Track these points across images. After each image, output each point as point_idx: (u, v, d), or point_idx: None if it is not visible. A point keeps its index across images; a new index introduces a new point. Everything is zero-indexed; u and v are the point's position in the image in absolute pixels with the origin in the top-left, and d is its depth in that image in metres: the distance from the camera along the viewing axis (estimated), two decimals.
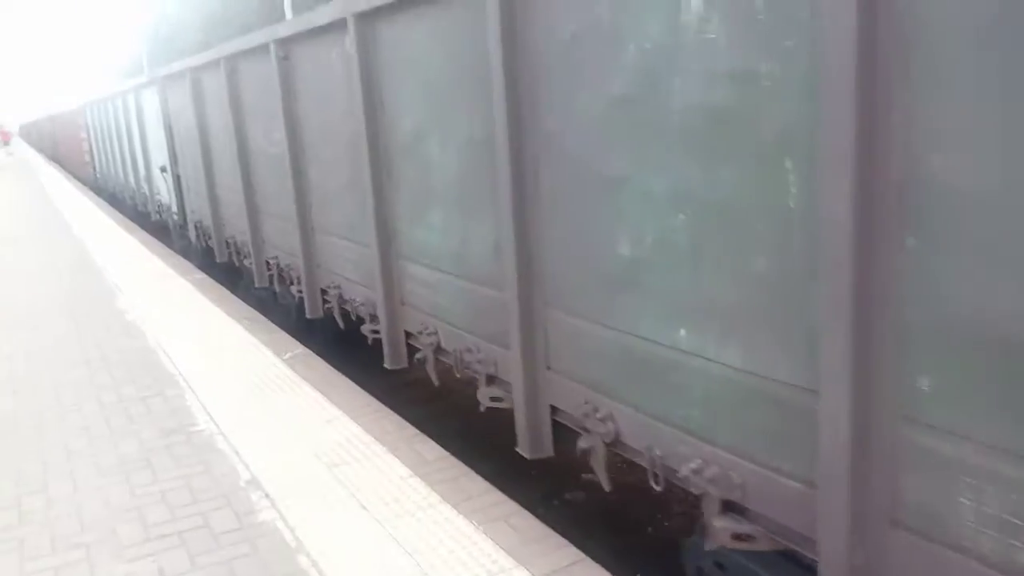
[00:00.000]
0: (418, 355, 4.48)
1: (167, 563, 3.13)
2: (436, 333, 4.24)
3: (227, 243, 8.33)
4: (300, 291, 6.16)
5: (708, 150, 2.35)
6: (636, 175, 2.65)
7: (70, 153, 25.38)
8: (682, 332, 2.56)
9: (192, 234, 9.76)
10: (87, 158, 19.99)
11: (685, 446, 2.61)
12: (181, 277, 8.90)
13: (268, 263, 7.03)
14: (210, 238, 8.83)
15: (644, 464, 2.79)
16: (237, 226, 7.77)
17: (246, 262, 7.58)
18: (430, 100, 3.94)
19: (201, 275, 9.07)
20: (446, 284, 4.08)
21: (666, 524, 4.21)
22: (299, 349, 5.97)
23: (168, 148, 10.11)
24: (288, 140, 5.80)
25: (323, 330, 6.30)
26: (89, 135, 18.75)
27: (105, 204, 16.75)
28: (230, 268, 8.51)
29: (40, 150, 51.47)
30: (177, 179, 10.10)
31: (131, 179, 14.05)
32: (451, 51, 3.66)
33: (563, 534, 3.20)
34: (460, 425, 5.03)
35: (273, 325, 6.74)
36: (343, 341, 5.86)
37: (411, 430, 4.29)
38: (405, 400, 5.23)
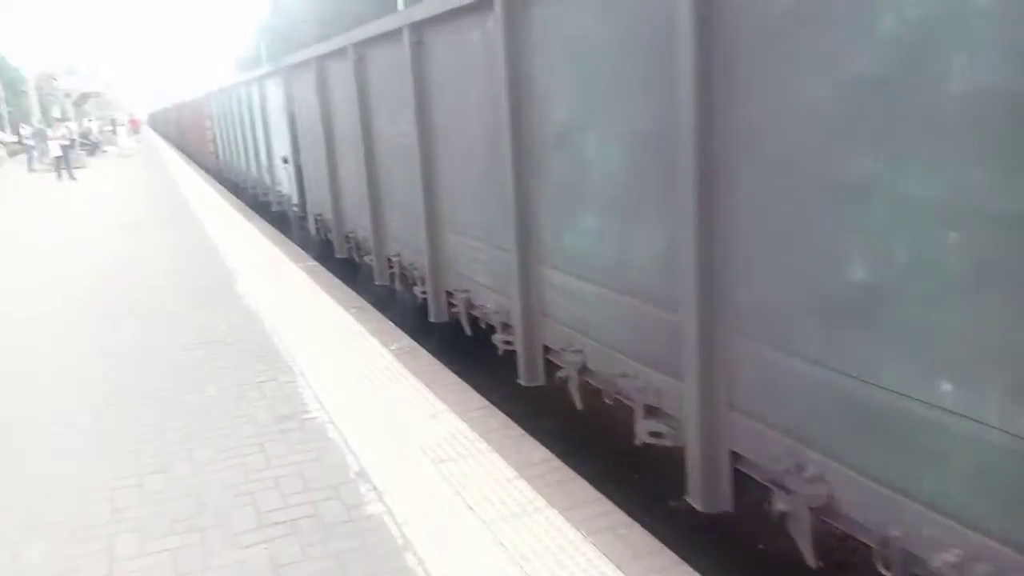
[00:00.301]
0: (560, 373, 4.09)
1: (279, 552, 3.18)
2: (582, 351, 3.86)
3: (347, 238, 8.21)
4: (424, 292, 5.97)
5: (1004, 148, 1.87)
6: (884, 180, 2.15)
7: (195, 141, 26.41)
8: (946, 386, 2.06)
9: (311, 226, 9.67)
10: (211, 147, 20.53)
11: (938, 530, 2.11)
12: (294, 264, 9.16)
13: (390, 260, 6.84)
14: (330, 231, 8.73)
15: (869, 542, 2.34)
16: (358, 220, 7.63)
17: (366, 259, 7.46)
18: (590, 86, 3.51)
19: (313, 263, 9.32)
20: (598, 297, 3.65)
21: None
22: (405, 340, 6.02)
23: (290, 138, 10.14)
24: (418, 130, 5.52)
25: (447, 335, 6.18)
26: (213, 124, 19.16)
27: (227, 192, 17.36)
28: (348, 264, 8.64)
29: (166, 137, 54.41)
30: (298, 170, 10.11)
31: (252, 168, 14.23)
32: (623, 27, 3.20)
33: (675, 549, 3.07)
34: (608, 456, 4.59)
35: (380, 315, 6.83)
36: (467, 349, 5.76)
37: (516, 429, 4.24)
38: (545, 429, 4.56)
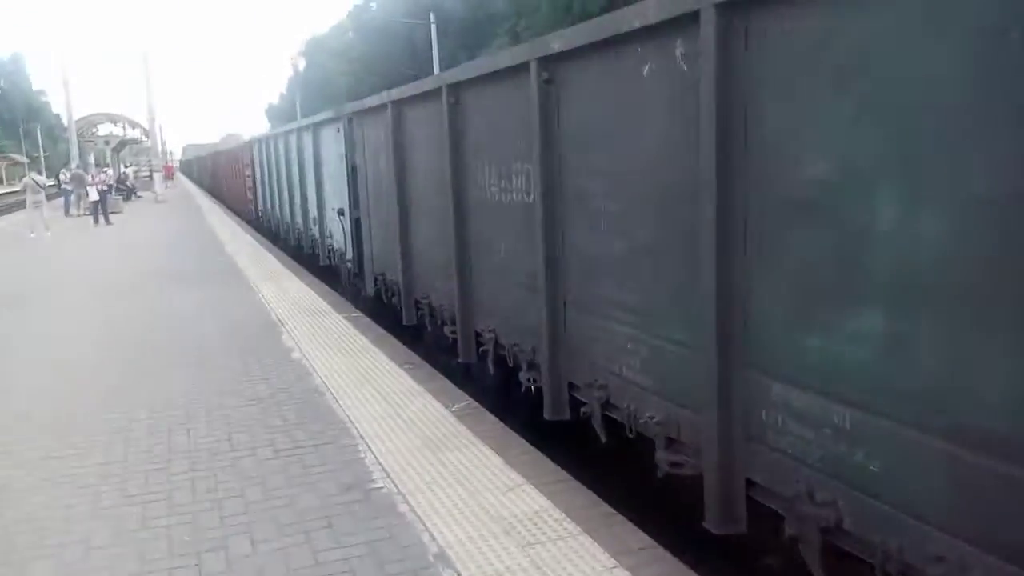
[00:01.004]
0: (583, 409, 4.33)
1: None
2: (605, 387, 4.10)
3: (418, 303, 7.21)
4: (534, 380, 4.92)
5: None
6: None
7: (231, 188, 26.52)
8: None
9: (369, 285, 8.87)
10: (248, 195, 20.45)
11: (928, 541, 2.32)
12: (338, 314, 8.91)
13: (479, 335, 5.85)
14: (394, 295, 7.88)
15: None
16: (436, 286, 6.72)
17: (447, 330, 6.38)
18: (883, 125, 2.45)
19: (358, 313, 9.06)
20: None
21: None
22: (466, 400, 5.69)
23: (348, 190, 9.44)
24: (542, 185, 4.49)
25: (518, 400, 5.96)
26: (254, 171, 19.03)
27: (265, 241, 17.23)
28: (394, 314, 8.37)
29: (199, 184, 55.25)
30: (356, 224, 9.39)
31: (298, 219, 13.59)
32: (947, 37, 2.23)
33: None
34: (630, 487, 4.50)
35: (435, 371, 6.51)
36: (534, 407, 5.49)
37: (605, 507, 3.87)
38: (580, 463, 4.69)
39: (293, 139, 13.33)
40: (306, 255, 13.18)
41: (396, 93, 7.09)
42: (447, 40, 43.89)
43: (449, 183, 5.91)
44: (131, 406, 5.82)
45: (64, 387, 6.46)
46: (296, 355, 7.13)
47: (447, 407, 5.51)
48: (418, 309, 7.23)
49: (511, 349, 5.27)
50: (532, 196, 4.66)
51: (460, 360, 6.13)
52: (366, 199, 8.72)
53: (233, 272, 12.68)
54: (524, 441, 4.87)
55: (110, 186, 27.02)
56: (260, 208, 18.90)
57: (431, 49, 54.72)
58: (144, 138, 42.65)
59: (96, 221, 23.92)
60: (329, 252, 11.32)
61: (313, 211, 12.01)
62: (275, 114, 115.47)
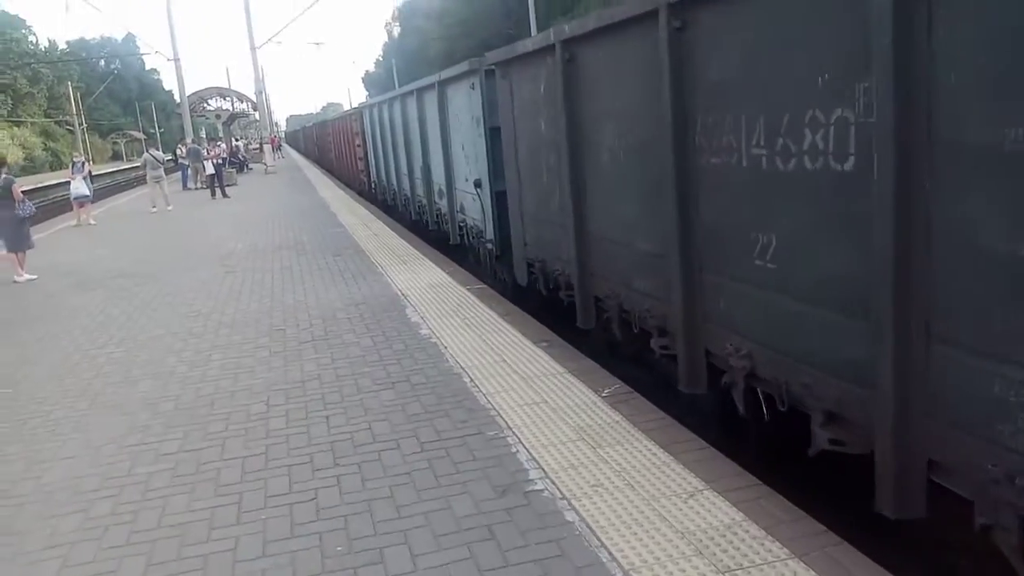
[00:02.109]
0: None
1: None
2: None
3: (601, 305, 5.74)
4: (842, 443, 3.50)
5: None
6: None
7: (339, 159, 26.59)
8: None
9: (520, 273, 7.56)
10: (360, 165, 19.90)
11: None
12: (462, 287, 8.55)
13: (709, 352, 4.36)
14: (559, 288, 6.52)
15: None
16: (633, 284, 5.15)
17: (654, 343, 4.87)
18: None
19: (481, 285, 8.68)
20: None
21: None
22: (617, 384, 5.20)
23: (487, 158, 8.35)
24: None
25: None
26: (364, 141, 18.52)
27: (380, 212, 17.06)
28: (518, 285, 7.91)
29: (306, 155, 56.40)
30: (497, 198, 8.33)
31: (419, 192, 12.57)
32: None
33: None
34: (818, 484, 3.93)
35: (575, 351, 6.04)
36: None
37: (815, 525, 3.31)
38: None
39: (411, 102, 12.18)
40: (429, 231, 12.30)
41: (571, 29, 5.60)
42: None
43: (670, 143, 4.27)
44: (262, 389, 5.61)
45: (200, 368, 6.35)
46: (424, 332, 6.80)
47: (597, 392, 5.04)
48: (601, 311, 5.77)
49: (772, 381, 3.80)
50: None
51: (683, 388, 4.59)
52: (514, 169, 7.29)
53: (349, 243, 12.56)
54: (691, 433, 4.35)
55: (225, 159, 27.64)
56: (373, 179, 18.30)
57: (525, 8, 53.74)
58: (252, 111, 43.67)
59: (213, 194, 24.54)
60: (461, 230, 10.21)
61: (439, 182, 10.99)
62: (372, 81, 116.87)
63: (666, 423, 4.51)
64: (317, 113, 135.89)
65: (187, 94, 36.87)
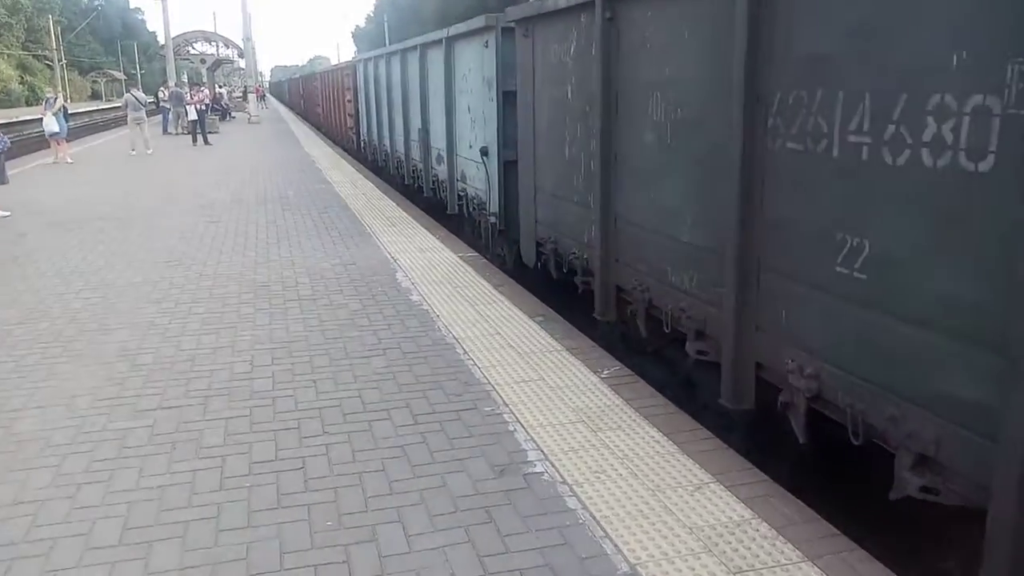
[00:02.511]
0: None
1: None
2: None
3: (624, 296, 5.30)
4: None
5: None
6: None
7: (326, 114, 25.95)
8: None
9: (527, 251, 7.04)
10: (349, 122, 19.21)
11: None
12: (454, 254, 8.33)
13: (759, 367, 3.89)
14: (573, 272, 6.01)
15: None
16: (671, 279, 4.58)
17: (690, 347, 4.43)
18: None
19: (473, 253, 8.47)
20: None
21: None
22: (616, 366, 5.04)
23: (497, 124, 7.73)
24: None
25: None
26: (356, 97, 17.85)
27: (368, 172, 16.65)
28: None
29: (290, 107, 55.32)
30: (505, 168, 7.80)
31: (415, 156, 11.88)
32: None
33: None
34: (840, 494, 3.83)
35: (572, 327, 5.88)
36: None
37: (824, 525, 3.19)
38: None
39: (413, 59, 11.40)
40: (423, 197, 11.84)
41: None
42: None
43: (737, 122, 3.73)
44: (244, 348, 5.40)
45: (180, 320, 6.10)
46: (414, 298, 6.60)
47: (596, 373, 4.89)
48: (624, 304, 5.36)
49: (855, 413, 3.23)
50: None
51: (727, 402, 4.09)
52: (530, 138, 6.68)
53: (337, 202, 12.27)
54: (695, 422, 4.22)
55: (208, 105, 26.97)
56: (363, 138, 17.65)
57: None
58: (238, 58, 42.68)
59: (195, 141, 23.96)
60: (460, 199, 9.64)
61: (438, 147, 10.38)
62: (362, 37, 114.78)
63: (669, 410, 4.36)
64: (303, 66, 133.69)
65: (172, 36, 35.89)
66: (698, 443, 3.94)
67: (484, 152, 8.06)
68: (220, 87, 45.62)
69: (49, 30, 70.59)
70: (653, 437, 3.99)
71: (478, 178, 8.59)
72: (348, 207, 11.65)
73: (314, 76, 32.13)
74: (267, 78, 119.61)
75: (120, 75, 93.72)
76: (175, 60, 34.00)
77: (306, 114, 38.97)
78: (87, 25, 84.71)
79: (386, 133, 14.59)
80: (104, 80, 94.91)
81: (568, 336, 5.64)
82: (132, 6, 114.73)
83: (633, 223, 5.10)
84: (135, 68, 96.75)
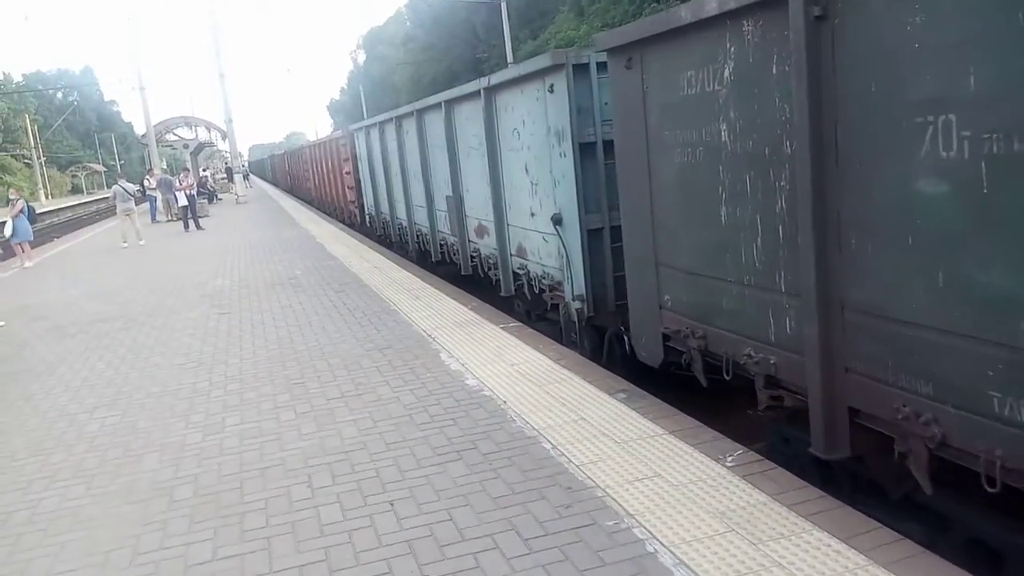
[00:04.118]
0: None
1: None
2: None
3: (864, 420, 3.64)
4: None
5: None
6: None
7: (319, 187, 25.27)
8: None
9: (653, 348, 5.33)
10: (349, 195, 18.40)
11: None
12: (495, 325, 7.64)
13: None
14: (745, 377, 4.45)
15: None
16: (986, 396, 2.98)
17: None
18: None
19: (516, 323, 7.77)
20: None
21: None
22: (739, 449, 4.32)
23: (575, 185, 6.31)
24: None
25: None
26: (358, 168, 16.97)
27: (376, 244, 15.97)
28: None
29: (275, 183, 55.06)
30: (588, 237, 6.41)
31: (443, 228, 10.71)
32: None
33: None
34: None
35: (661, 403, 5.16)
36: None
37: None
38: None
39: (435, 119, 10.23)
40: (452, 270, 10.65)
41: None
42: (509, 21, 42.02)
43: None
44: (285, 458, 4.64)
45: (215, 435, 5.34)
46: (471, 382, 5.88)
47: (718, 460, 4.16)
48: (864, 433, 3.67)
49: None
50: None
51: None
52: (639, 197, 5.21)
53: (351, 279, 11.60)
54: (871, 520, 3.48)
55: (197, 190, 26.45)
56: (368, 211, 16.63)
57: (492, 33, 53.22)
58: (221, 140, 42.45)
59: (187, 227, 23.33)
60: (518, 279, 8.10)
61: (478, 217, 9.10)
62: (337, 108, 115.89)
63: (829, 504, 3.63)
64: (280, 142, 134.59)
65: (152, 123, 35.61)
66: (888, 547, 3.20)
67: (557, 220, 6.64)
68: (203, 170, 45.29)
69: (26, 128, 70.53)
70: (830, 546, 3.26)
71: (545, 252, 7.23)
72: (364, 283, 10.97)
73: (302, 150, 31.76)
74: (246, 157, 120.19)
75: (100, 167, 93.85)
76: (158, 147, 33.62)
77: (293, 190, 38.56)
78: (63, 121, 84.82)
79: (401, 205, 13.42)
80: (84, 173, 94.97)
81: (663, 415, 4.92)
82: (107, 99, 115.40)
83: (895, 318, 3.35)
84: (114, 159, 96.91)
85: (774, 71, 3.81)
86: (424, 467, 4.48)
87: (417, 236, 12.68)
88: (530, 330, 7.45)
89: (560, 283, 6.94)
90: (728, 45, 4.12)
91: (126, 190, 21.32)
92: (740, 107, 4.11)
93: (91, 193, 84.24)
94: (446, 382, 6.02)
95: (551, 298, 7.26)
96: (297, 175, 34.88)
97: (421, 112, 11.00)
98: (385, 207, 14.93)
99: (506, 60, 40.66)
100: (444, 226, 10.79)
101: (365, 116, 56.89)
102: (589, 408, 5.14)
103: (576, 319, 6.70)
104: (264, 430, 5.36)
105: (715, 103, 4.29)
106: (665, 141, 4.86)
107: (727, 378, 4.57)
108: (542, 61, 6.59)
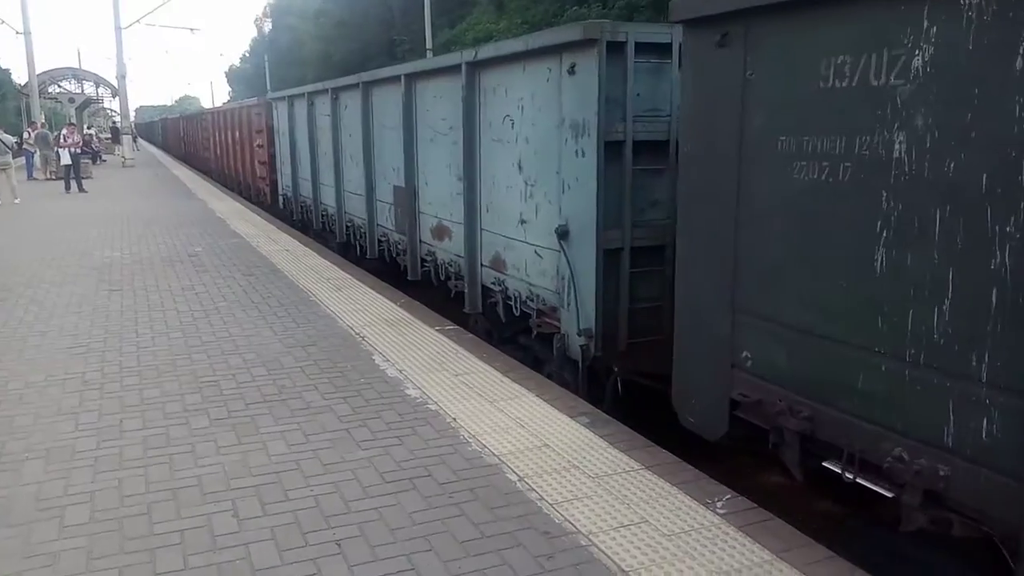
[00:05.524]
0: None
1: None
2: None
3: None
4: None
5: None
6: None
7: (223, 160, 23.64)
8: None
9: (713, 414, 4.26)
10: (260, 172, 16.84)
11: None
12: (427, 327, 7.04)
13: None
14: (891, 483, 3.34)
15: None
16: None
17: None
18: None
19: (452, 326, 7.20)
20: None
21: None
22: (727, 493, 3.92)
23: (595, 190, 5.21)
24: None
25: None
26: (275, 142, 15.49)
27: (285, 225, 14.90)
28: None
29: (165, 149, 51.96)
30: (605, 259, 5.32)
31: (384, 222, 9.63)
32: None
33: None
34: None
35: (630, 431, 4.72)
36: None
37: None
38: None
39: (387, 95, 9.00)
40: (392, 269, 9.64)
41: None
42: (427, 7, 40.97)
43: None
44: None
45: (112, 442, 4.53)
46: (412, 394, 5.28)
47: (706, 505, 3.75)
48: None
49: None
50: None
51: None
52: (709, 219, 4.15)
53: (263, 263, 10.69)
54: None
55: (83, 149, 24.40)
56: (283, 192, 15.12)
57: (408, 16, 51.95)
58: (110, 97, 39.64)
59: (68, 188, 21.44)
60: (492, 295, 6.93)
61: (441, 215, 7.87)
62: (238, 78, 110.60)
63: (841, 567, 3.27)
64: (171, 105, 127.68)
65: (36, 73, 32.77)
66: None
67: (562, 234, 5.52)
68: (88, 128, 42.15)
69: None
70: None
71: (536, 269, 6.11)
72: (276, 267, 10.10)
73: (203, 115, 29.79)
74: (133, 118, 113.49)
75: None
76: (42, 100, 30.95)
77: (187, 158, 36.31)
78: None
79: (327, 189, 12.02)
80: None
81: (635, 446, 4.48)
82: None
83: None
84: None
85: (1019, 64, 2.71)
86: (372, 496, 3.88)
87: (347, 228, 11.35)
88: (470, 335, 6.88)
89: (555, 309, 5.85)
90: (926, 22, 3.00)
91: (3, 142, 19.35)
92: (941, 112, 2.98)
93: None
94: (384, 391, 5.40)
95: (539, 325, 6.15)
96: (194, 142, 32.80)
97: (369, 85, 9.67)
98: (307, 190, 13.46)
99: (424, 46, 39.74)
100: (386, 220, 9.61)
101: (269, 87, 54.50)
102: (551, 433, 4.64)
103: (580, 357, 5.51)
104: (173, 440, 4.59)
105: (888, 103, 3.17)
106: (776, 150, 3.69)
107: (847, 478, 3.48)
108: (565, 33, 5.41)
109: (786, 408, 3.77)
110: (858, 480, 3.44)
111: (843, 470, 3.48)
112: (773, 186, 3.76)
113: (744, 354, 4.03)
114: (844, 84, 3.35)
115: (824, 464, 3.65)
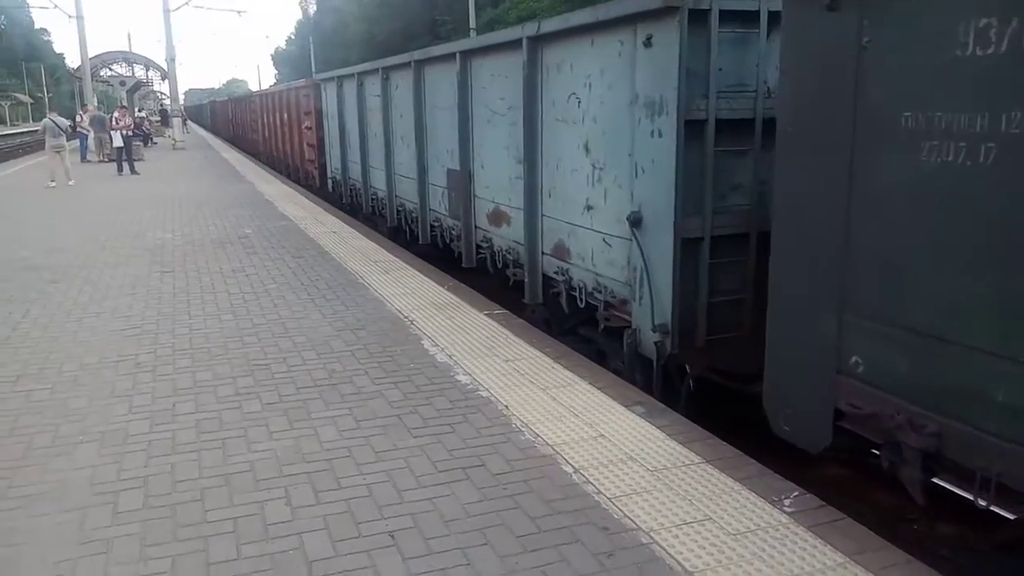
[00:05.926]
0: None
1: None
2: None
3: None
4: None
5: None
6: None
7: (271, 142, 23.81)
8: None
9: (815, 429, 3.88)
10: (309, 154, 16.72)
11: None
12: (476, 311, 6.94)
13: None
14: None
15: None
16: None
17: None
18: None
19: (501, 310, 7.08)
20: None
21: None
22: (796, 491, 3.75)
23: (673, 174, 4.84)
24: None
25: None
26: (323, 126, 15.08)
27: (333, 208, 14.92)
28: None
29: (214, 131, 52.64)
30: (682, 248, 4.95)
31: (436, 207, 9.30)
32: None
33: None
34: None
35: (689, 423, 4.57)
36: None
37: None
38: None
39: (440, 74, 8.65)
40: (444, 255, 9.37)
41: None
42: None
43: None
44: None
45: (165, 426, 4.53)
46: (466, 384, 5.19)
47: (772, 503, 3.59)
48: None
49: None
50: None
51: None
52: (813, 208, 3.74)
53: (315, 249, 10.71)
54: None
55: (134, 131, 24.79)
56: (332, 175, 14.98)
57: None
58: (159, 80, 40.25)
59: (120, 170, 21.81)
60: (555, 285, 6.55)
61: (499, 200, 7.48)
62: (284, 60, 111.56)
63: (919, 569, 3.09)
64: (219, 88, 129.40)
65: (88, 57, 33.37)
66: None
67: (635, 222, 5.18)
68: (139, 111, 42.90)
69: None
70: None
71: (604, 259, 5.75)
72: (324, 249, 10.10)
73: (251, 98, 30.03)
74: (182, 101, 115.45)
75: (26, 99, 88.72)
76: (95, 83, 31.51)
77: (236, 140, 36.74)
78: None
79: (378, 172, 11.74)
80: (8, 104, 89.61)
81: (694, 438, 4.32)
82: (37, 27, 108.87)
83: None
84: (42, 91, 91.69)
85: None
86: (425, 486, 3.79)
87: (398, 212, 11.06)
88: (520, 320, 6.77)
89: (625, 302, 5.49)
90: None
91: (58, 125, 19.71)
92: None
93: (15, 125, 79.47)
94: (434, 376, 5.32)
95: (607, 319, 5.79)
96: (243, 125, 33.14)
97: (421, 64, 9.28)
98: (356, 173, 13.19)
99: (467, 25, 39.48)
100: (439, 205, 9.29)
101: (314, 69, 54.80)
102: (606, 422, 4.51)
103: (654, 355, 5.16)
104: (225, 424, 4.57)
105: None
106: (899, 128, 3.27)
107: (980, 504, 3.14)
108: (641, 1, 4.91)
109: (906, 422, 3.38)
110: (979, 503, 3.14)
111: (976, 496, 3.12)
112: (895, 169, 3.34)
113: (853, 359, 3.62)
114: (989, 51, 2.90)
115: (940, 483, 3.35)
